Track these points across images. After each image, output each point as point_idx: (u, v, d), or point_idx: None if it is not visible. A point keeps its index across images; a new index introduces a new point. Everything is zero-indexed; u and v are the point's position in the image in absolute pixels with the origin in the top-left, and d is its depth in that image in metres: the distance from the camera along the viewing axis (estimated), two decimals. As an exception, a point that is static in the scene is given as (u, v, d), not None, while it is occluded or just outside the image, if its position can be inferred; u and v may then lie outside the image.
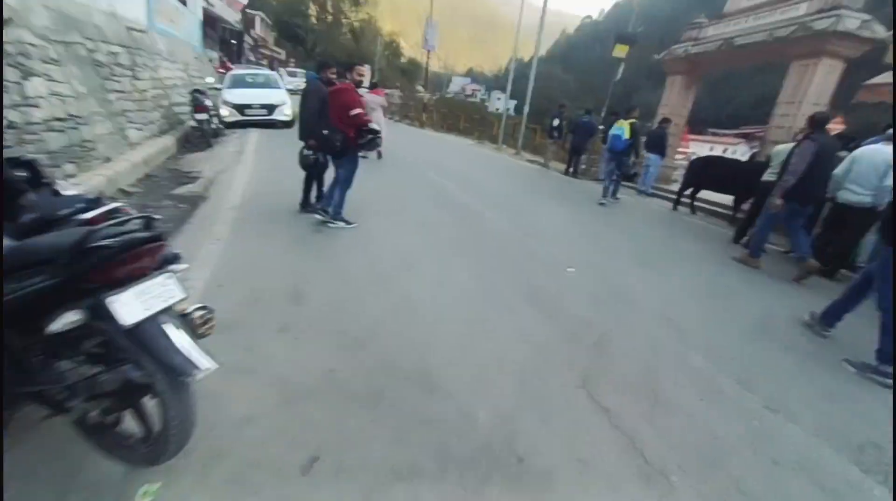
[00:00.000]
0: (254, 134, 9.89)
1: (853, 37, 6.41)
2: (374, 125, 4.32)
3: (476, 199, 6.55)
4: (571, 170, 10.87)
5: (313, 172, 4.81)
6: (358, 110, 4.14)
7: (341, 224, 4.46)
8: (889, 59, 6.54)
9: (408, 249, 4.12)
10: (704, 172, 7.34)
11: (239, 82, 11.11)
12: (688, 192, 7.87)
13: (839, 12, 6.51)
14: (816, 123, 4.53)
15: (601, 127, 10.86)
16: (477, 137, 18.37)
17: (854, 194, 4.50)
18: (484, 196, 6.84)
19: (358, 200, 5.04)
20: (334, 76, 4.60)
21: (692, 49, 9.17)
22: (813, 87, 6.88)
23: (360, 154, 4.53)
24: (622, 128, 7.60)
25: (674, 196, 8.23)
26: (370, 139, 4.24)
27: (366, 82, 8.06)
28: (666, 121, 8.90)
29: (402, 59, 69.20)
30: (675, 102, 9.94)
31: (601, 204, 7.64)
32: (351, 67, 4.29)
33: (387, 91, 26.60)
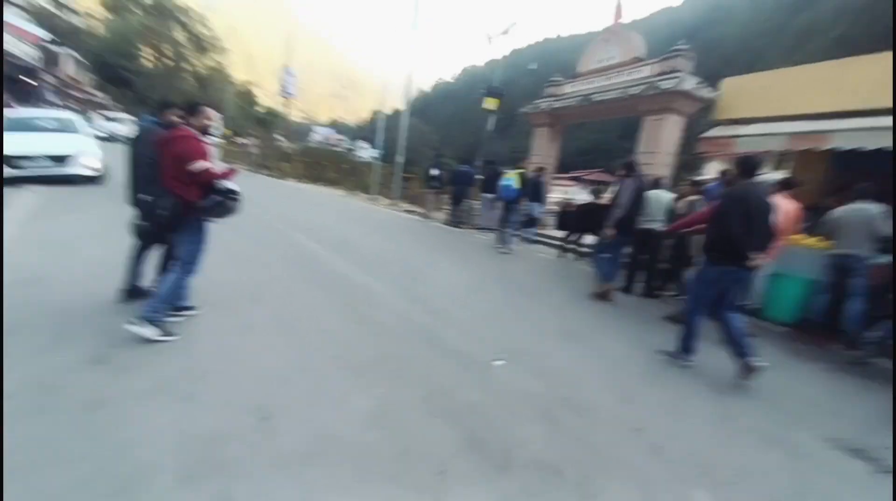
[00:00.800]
0: (33, 195, 7.14)
1: (691, 96, 7.18)
2: (228, 184, 2.89)
3: (359, 267, 5.31)
4: (454, 220, 10.41)
5: (149, 241, 3.26)
6: (202, 164, 2.72)
7: (153, 333, 2.78)
8: (716, 116, 7.47)
9: (263, 374, 2.64)
10: (591, 218, 7.31)
11: (13, 127, 8.18)
12: (572, 237, 7.84)
13: (678, 74, 7.28)
14: (630, 167, 5.23)
15: (478, 177, 10.70)
16: (348, 187, 17.22)
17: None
18: (368, 262, 5.63)
19: (193, 286, 3.39)
20: (180, 120, 3.12)
21: (555, 104, 9.67)
22: (664, 138, 7.51)
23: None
24: (511, 178, 7.49)
25: (555, 242, 8.13)
26: (219, 203, 2.81)
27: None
28: (541, 169, 9.02)
29: (259, 109, 65.50)
30: (544, 151, 10.32)
31: (496, 249, 7.79)
32: (195, 109, 2.91)
33: (242, 140, 23.93)
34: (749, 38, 56.30)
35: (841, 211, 4.48)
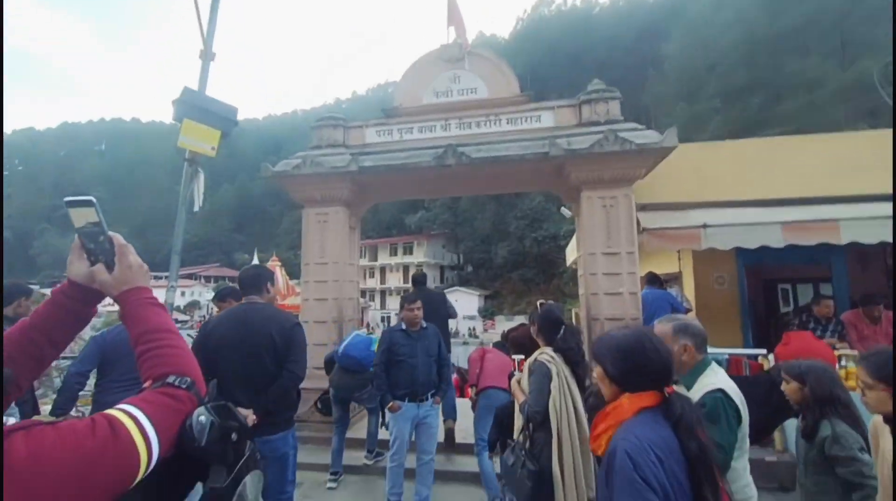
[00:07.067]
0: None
1: (656, 156, 4.40)
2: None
3: None
4: None
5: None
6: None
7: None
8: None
9: None
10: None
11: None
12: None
13: (631, 124, 4.37)
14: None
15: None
16: None
17: None
18: None
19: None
20: None
21: (366, 162, 4.66)
22: (624, 226, 4.34)
23: None
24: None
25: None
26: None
27: None
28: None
29: None
30: (338, 251, 4.88)
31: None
32: None
33: None
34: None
35: None
